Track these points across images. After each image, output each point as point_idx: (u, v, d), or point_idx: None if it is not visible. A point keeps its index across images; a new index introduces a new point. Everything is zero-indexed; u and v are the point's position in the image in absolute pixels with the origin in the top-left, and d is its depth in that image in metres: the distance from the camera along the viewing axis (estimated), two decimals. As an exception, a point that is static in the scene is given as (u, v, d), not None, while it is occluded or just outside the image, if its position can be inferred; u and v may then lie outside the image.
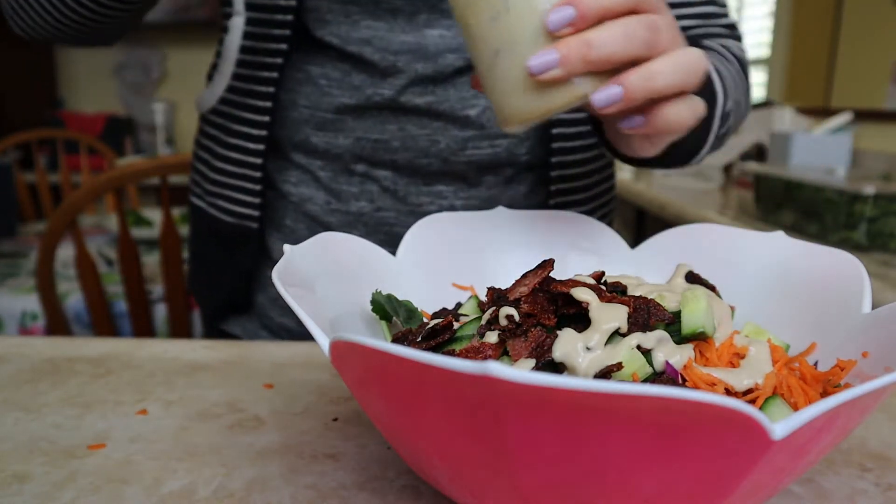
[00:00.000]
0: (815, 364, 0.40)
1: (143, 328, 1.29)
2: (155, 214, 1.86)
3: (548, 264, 0.40)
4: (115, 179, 1.19)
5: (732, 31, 0.71)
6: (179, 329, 1.31)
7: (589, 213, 0.75)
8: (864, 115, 2.12)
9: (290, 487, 0.39)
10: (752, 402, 0.34)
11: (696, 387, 0.34)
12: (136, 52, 3.60)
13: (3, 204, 1.91)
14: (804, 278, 0.44)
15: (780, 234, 0.47)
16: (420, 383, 0.26)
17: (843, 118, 1.94)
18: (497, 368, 0.22)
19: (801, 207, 1.41)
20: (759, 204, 1.58)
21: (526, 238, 0.53)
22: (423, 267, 0.49)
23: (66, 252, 1.49)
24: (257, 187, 0.70)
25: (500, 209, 0.53)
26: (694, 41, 0.66)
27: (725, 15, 0.71)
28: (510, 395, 0.23)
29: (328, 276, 0.42)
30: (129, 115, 3.52)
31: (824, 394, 0.36)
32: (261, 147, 0.68)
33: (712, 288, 0.43)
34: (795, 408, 0.34)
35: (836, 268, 0.42)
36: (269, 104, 0.67)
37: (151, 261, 1.53)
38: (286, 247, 0.39)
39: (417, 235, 0.49)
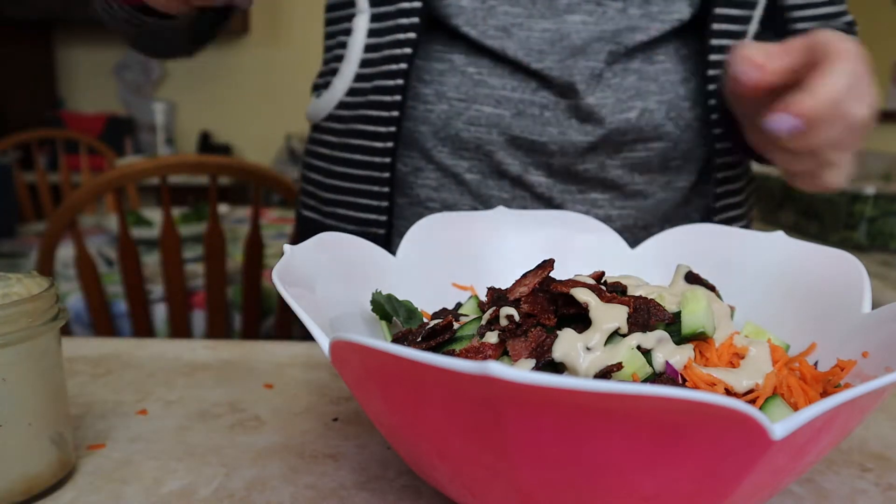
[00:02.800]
0: (815, 364, 0.40)
1: (143, 328, 1.29)
2: (155, 214, 1.86)
3: (548, 264, 0.40)
4: (115, 179, 1.19)
5: (851, 28, 0.69)
6: (179, 329, 1.31)
7: (742, 217, 0.71)
8: (864, 115, 2.11)
9: (290, 487, 0.39)
10: (753, 402, 0.34)
11: (696, 387, 0.34)
12: (136, 53, 3.59)
13: (3, 204, 1.92)
14: (804, 278, 0.44)
15: (780, 234, 0.47)
16: (420, 383, 0.26)
17: (843, 118, 1.94)
18: (497, 368, 0.22)
19: (801, 207, 1.41)
20: (760, 204, 1.58)
21: (526, 238, 0.52)
22: (423, 267, 0.49)
23: (66, 252, 1.49)
24: (385, 189, 0.65)
25: (501, 209, 0.53)
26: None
27: (845, 13, 0.69)
28: (510, 394, 0.23)
29: (328, 276, 0.42)
30: (129, 115, 3.52)
31: (824, 394, 0.36)
32: (389, 145, 0.64)
33: (712, 288, 0.43)
34: (795, 408, 0.34)
35: (836, 268, 0.42)
36: (398, 98, 0.62)
37: (151, 261, 1.53)
38: (286, 246, 0.39)
39: (417, 235, 0.49)
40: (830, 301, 0.41)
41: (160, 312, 1.35)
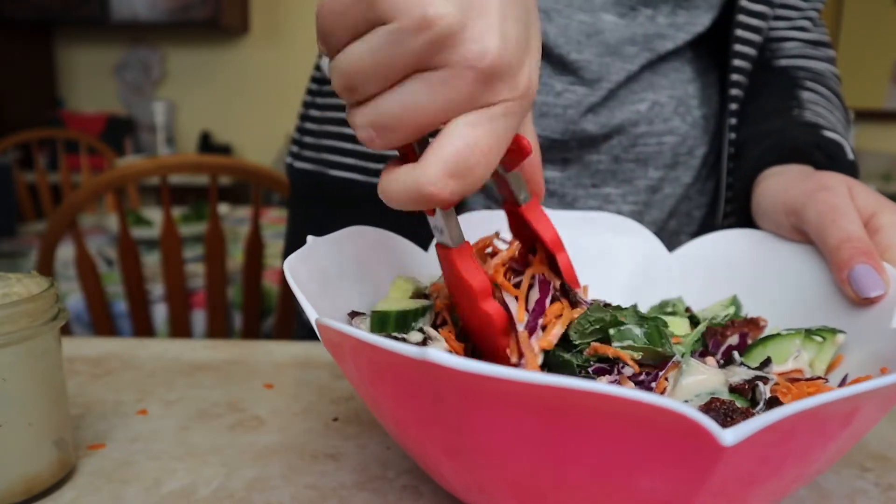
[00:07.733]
0: (845, 378, 0.38)
1: (143, 328, 1.29)
2: (155, 214, 1.86)
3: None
4: (115, 179, 1.19)
5: (834, 62, 0.70)
6: (179, 329, 1.31)
7: None
8: (864, 115, 2.12)
9: (290, 487, 0.39)
10: None
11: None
12: (136, 52, 3.60)
13: (3, 204, 1.91)
14: (837, 289, 0.43)
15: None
16: (381, 369, 0.27)
17: (843, 118, 1.94)
18: (436, 354, 0.21)
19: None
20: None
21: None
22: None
23: (66, 252, 1.49)
24: None
25: None
26: (807, 78, 0.65)
27: (829, 45, 0.70)
28: (451, 381, 0.23)
29: (350, 270, 0.42)
30: (129, 115, 3.52)
31: None
32: None
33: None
34: None
35: None
36: None
37: (151, 261, 1.53)
38: (310, 238, 0.39)
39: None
40: (863, 312, 0.40)
41: (160, 312, 1.35)
